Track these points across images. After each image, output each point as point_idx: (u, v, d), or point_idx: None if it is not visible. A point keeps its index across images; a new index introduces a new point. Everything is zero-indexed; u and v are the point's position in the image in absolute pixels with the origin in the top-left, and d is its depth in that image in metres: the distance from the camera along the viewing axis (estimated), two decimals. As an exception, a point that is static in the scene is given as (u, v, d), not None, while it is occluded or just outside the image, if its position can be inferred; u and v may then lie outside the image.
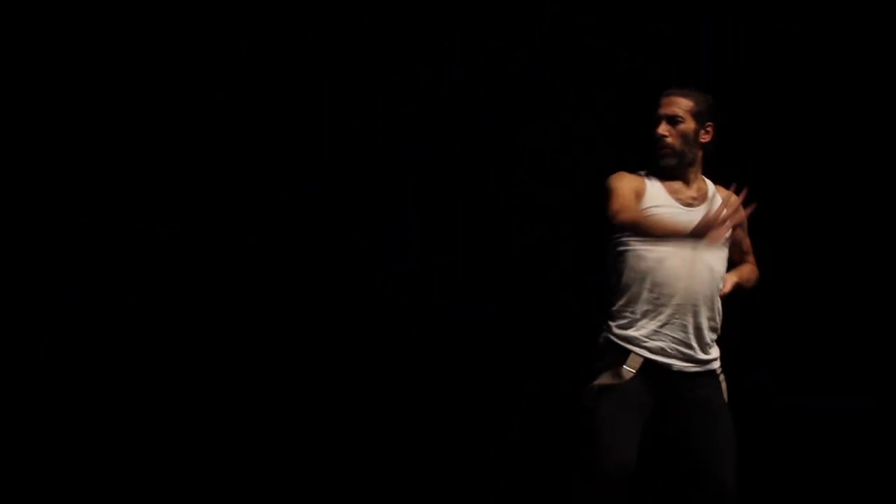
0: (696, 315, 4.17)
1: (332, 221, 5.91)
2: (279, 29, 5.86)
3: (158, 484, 5.79)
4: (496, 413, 5.86)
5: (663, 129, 4.20)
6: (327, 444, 5.88)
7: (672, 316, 4.14)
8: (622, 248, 4.20)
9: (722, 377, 4.25)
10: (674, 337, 4.15)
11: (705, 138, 4.27)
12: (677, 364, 4.14)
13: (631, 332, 4.15)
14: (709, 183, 4.34)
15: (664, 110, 4.23)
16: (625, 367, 4.11)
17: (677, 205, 4.21)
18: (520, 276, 5.86)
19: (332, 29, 5.87)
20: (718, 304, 4.24)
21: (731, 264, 4.36)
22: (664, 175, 4.25)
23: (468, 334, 5.88)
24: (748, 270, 4.38)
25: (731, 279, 4.23)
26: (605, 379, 4.11)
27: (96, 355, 5.83)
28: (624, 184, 4.20)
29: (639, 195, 4.20)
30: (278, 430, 5.88)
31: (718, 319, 4.25)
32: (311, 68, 5.84)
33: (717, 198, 4.28)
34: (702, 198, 4.26)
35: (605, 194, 4.20)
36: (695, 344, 4.17)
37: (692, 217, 4.12)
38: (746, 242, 4.42)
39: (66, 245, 5.81)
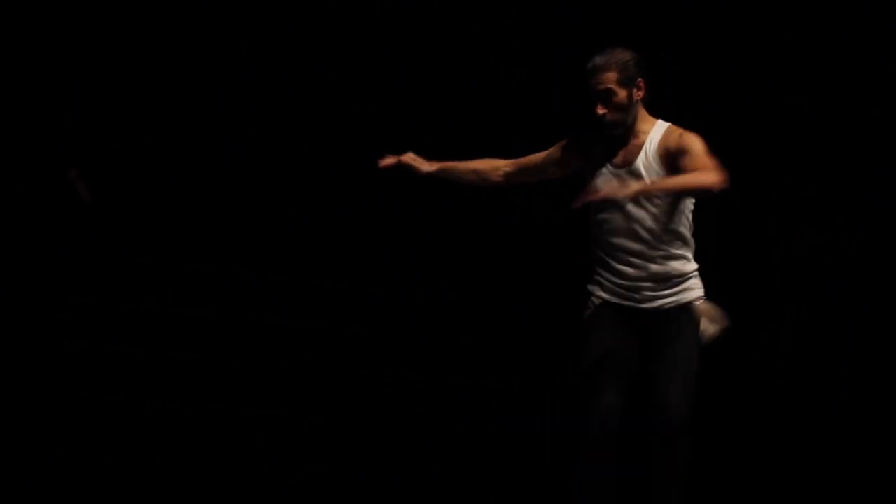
0: (642, 261, 4.36)
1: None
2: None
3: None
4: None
5: (601, 108, 4.34)
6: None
7: (620, 264, 4.37)
8: (589, 217, 4.45)
9: (690, 303, 4.39)
10: (625, 283, 4.37)
11: (639, 95, 4.40)
12: (635, 304, 4.36)
13: (600, 280, 4.42)
14: (657, 129, 4.44)
15: (594, 88, 4.36)
16: (586, 304, 4.40)
17: (609, 168, 4.37)
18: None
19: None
20: (669, 254, 4.38)
21: None
22: (613, 140, 4.42)
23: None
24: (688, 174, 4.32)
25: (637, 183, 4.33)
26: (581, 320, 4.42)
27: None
28: (552, 148, 4.46)
29: (576, 157, 4.41)
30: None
31: (676, 266, 4.39)
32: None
33: (653, 144, 4.40)
34: (634, 156, 4.37)
35: None
36: (646, 285, 4.36)
37: (621, 178, 4.31)
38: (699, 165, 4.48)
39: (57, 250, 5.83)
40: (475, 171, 4.45)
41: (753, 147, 6.03)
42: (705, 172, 4.25)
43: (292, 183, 5.97)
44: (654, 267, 4.35)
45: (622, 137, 4.38)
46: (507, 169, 4.45)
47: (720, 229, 6.11)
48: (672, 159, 4.31)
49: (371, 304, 5.96)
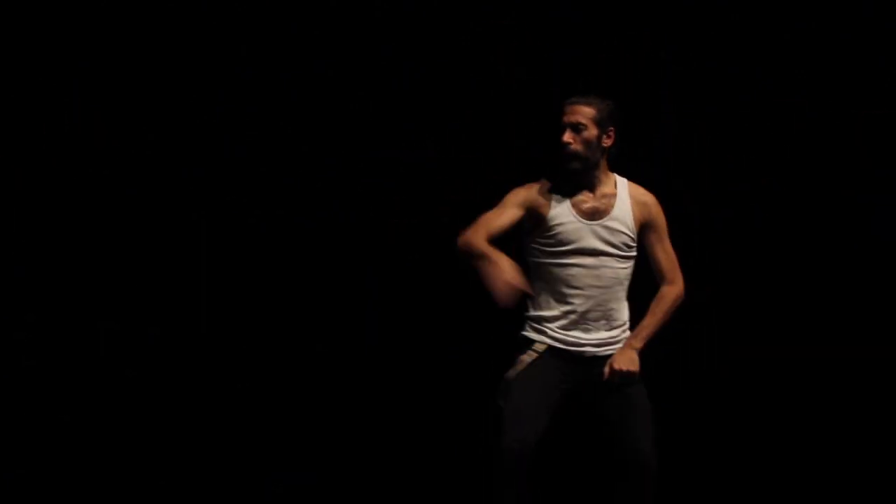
0: (599, 313, 4.44)
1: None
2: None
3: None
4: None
5: (568, 136, 4.40)
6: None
7: (576, 314, 4.42)
8: (533, 258, 4.47)
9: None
10: (577, 331, 4.44)
11: (607, 143, 4.47)
12: (586, 349, 4.44)
13: (542, 325, 4.46)
14: (620, 184, 4.48)
15: (568, 118, 4.46)
16: (529, 350, 4.44)
17: (579, 218, 4.43)
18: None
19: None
20: (621, 304, 4.49)
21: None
22: (569, 181, 4.45)
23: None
24: (650, 316, 4.52)
25: (631, 349, 4.46)
26: (517, 366, 4.45)
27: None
28: (507, 205, 4.44)
29: (536, 210, 4.43)
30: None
31: (623, 315, 4.50)
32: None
33: (623, 199, 4.41)
34: (606, 207, 4.46)
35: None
36: (598, 336, 4.45)
37: (593, 229, 4.41)
38: (664, 253, 4.53)
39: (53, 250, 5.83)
40: (476, 257, 4.29)
41: (753, 147, 6.02)
42: (676, 296, 4.54)
43: (292, 183, 5.96)
44: (608, 308, 4.43)
45: (587, 185, 4.42)
46: (482, 239, 4.34)
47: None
48: (645, 228, 4.50)
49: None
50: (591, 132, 4.41)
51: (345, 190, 5.90)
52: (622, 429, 4.40)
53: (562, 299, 4.41)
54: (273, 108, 5.93)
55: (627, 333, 4.49)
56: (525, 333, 4.47)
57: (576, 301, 4.40)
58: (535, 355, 4.41)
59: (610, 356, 4.42)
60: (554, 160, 4.44)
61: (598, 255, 4.41)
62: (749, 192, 6.01)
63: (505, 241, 4.35)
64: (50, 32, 5.81)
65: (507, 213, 4.42)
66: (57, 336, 5.85)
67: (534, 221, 4.43)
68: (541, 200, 4.44)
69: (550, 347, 4.41)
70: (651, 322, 4.50)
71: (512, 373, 4.41)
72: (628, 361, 4.39)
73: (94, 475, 5.79)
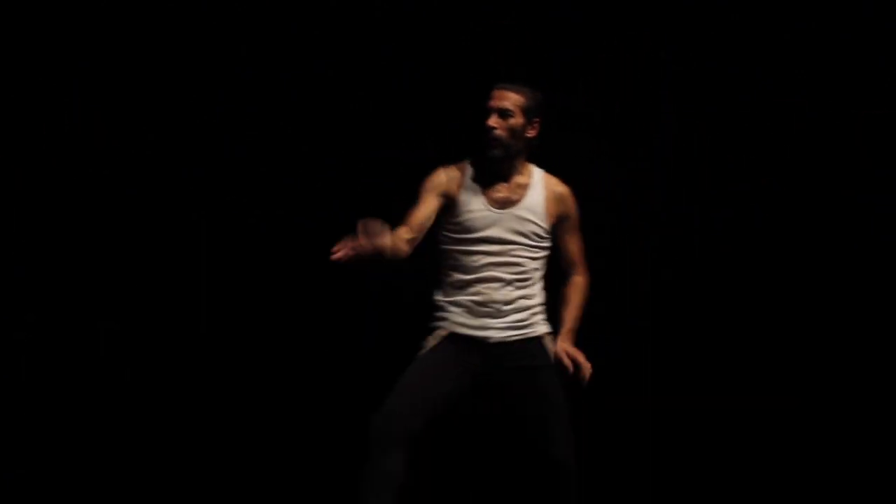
0: (505, 301, 4.41)
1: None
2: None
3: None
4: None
5: (493, 121, 4.38)
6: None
7: (480, 300, 4.40)
8: (442, 245, 4.47)
9: (547, 338, 4.50)
10: (482, 317, 4.40)
11: (531, 134, 4.45)
12: (490, 335, 4.40)
13: (448, 309, 4.45)
14: (535, 175, 4.47)
15: (496, 103, 4.41)
16: (432, 336, 4.43)
17: (489, 207, 4.39)
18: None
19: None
20: (530, 292, 4.46)
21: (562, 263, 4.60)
22: (487, 168, 4.41)
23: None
24: (575, 306, 4.55)
25: (563, 347, 4.45)
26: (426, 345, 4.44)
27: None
28: (426, 194, 4.42)
29: (450, 196, 4.40)
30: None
31: (532, 301, 4.47)
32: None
33: (538, 190, 4.40)
34: (518, 197, 4.42)
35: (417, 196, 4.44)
36: (503, 321, 4.41)
37: (502, 218, 4.37)
38: (575, 244, 4.53)
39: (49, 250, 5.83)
40: (391, 248, 4.24)
41: (753, 147, 6.02)
42: (587, 284, 4.56)
43: (292, 183, 5.96)
44: (515, 297, 4.40)
45: (504, 174, 4.40)
46: (408, 236, 4.34)
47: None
48: (560, 219, 4.49)
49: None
50: (518, 120, 4.37)
51: (345, 190, 5.89)
52: (538, 428, 4.36)
53: (466, 286, 4.37)
54: (273, 108, 5.93)
55: (538, 319, 4.45)
56: (434, 314, 4.45)
57: (480, 288, 4.36)
58: (434, 342, 4.39)
59: (517, 342, 4.38)
60: (476, 143, 4.40)
61: (504, 244, 4.36)
62: (749, 192, 6.01)
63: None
64: (50, 32, 5.80)
65: (426, 205, 4.37)
66: (57, 336, 5.84)
67: (446, 208, 4.40)
68: (454, 186, 4.41)
69: (452, 333, 4.38)
70: (576, 314, 4.50)
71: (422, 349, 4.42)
72: (580, 355, 4.35)
73: (94, 475, 5.79)
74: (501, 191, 4.42)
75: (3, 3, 5.75)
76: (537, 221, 4.42)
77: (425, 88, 5.93)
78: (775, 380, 5.96)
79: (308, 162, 5.93)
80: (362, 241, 4.07)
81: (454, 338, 4.40)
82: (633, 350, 6.01)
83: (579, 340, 4.51)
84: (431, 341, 4.42)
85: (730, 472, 5.92)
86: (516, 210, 4.41)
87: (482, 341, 4.39)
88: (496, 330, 4.38)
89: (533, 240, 4.42)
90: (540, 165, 4.59)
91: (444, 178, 4.43)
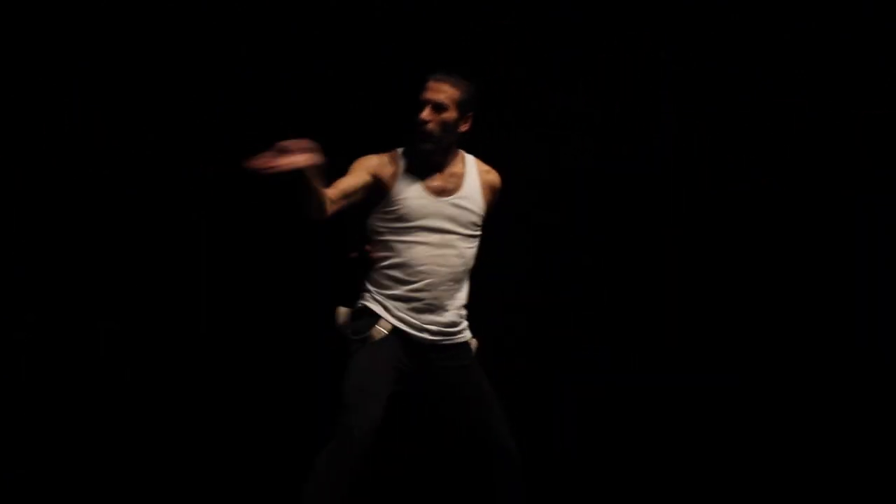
0: (443, 296, 4.32)
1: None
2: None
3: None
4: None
5: (427, 114, 4.31)
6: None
7: (420, 295, 4.30)
8: (378, 237, 4.36)
9: (472, 342, 4.46)
10: (420, 313, 4.30)
11: (464, 128, 4.38)
12: (424, 336, 4.31)
13: (385, 303, 4.32)
14: (468, 162, 4.43)
15: (431, 95, 4.33)
16: (377, 326, 4.30)
17: (426, 193, 4.31)
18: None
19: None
20: (463, 286, 4.40)
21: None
22: (419, 158, 4.34)
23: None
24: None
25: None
26: (361, 335, 4.31)
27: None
28: (356, 169, 4.33)
29: (382, 179, 4.31)
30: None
31: (464, 298, 4.41)
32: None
33: (472, 178, 4.37)
34: (454, 186, 4.37)
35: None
36: (441, 319, 4.32)
37: (440, 206, 4.29)
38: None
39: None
40: (321, 197, 4.16)
41: (753, 147, 6.02)
42: None
43: (292, 182, 5.96)
44: (449, 297, 4.32)
45: (436, 163, 4.35)
46: (332, 197, 4.23)
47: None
48: (490, 206, 4.42)
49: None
50: (451, 114, 4.30)
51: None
52: (477, 419, 4.31)
53: (406, 280, 4.27)
54: (273, 108, 5.93)
55: (465, 322, 4.39)
56: (368, 305, 4.32)
57: (420, 281, 4.27)
58: (383, 332, 4.28)
59: (448, 346, 4.32)
60: (407, 135, 4.35)
61: (443, 233, 4.28)
62: (749, 192, 6.01)
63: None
64: (50, 32, 5.81)
65: (354, 177, 4.28)
66: (57, 336, 5.85)
67: (379, 193, 4.30)
68: (388, 171, 4.33)
69: (395, 328, 4.28)
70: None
71: (355, 345, 4.28)
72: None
73: (94, 475, 5.79)
74: (437, 180, 4.34)
75: (3, 3, 5.75)
76: (474, 210, 4.35)
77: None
78: (774, 380, 5.96)
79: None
80: (280, 158, 4.00)
81: (395, 331, 4.30)
82: (632, 350, 6.02)
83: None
84: (377, 333, 4.29)
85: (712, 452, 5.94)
86: (453, 199, 4.34)
87: (418, 341, 4.31)
88: (431, 332, 4.30)
89: (469, 229, 4.34)
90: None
91: (375, 161, 4.34)
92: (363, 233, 4.36)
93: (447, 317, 4.34)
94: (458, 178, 4.37)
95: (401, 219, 4.29)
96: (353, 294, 4.39)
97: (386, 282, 4.31)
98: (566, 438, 5.98)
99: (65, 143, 5.84)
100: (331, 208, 4.23)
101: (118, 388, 5.88)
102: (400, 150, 4.40)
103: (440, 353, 4.35)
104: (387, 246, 4.31)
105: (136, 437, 5.86)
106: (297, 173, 4.06)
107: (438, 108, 4.29)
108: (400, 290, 4.29)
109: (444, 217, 4.30)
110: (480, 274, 4.49)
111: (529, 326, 6.02)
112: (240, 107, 5.91)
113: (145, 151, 5.91)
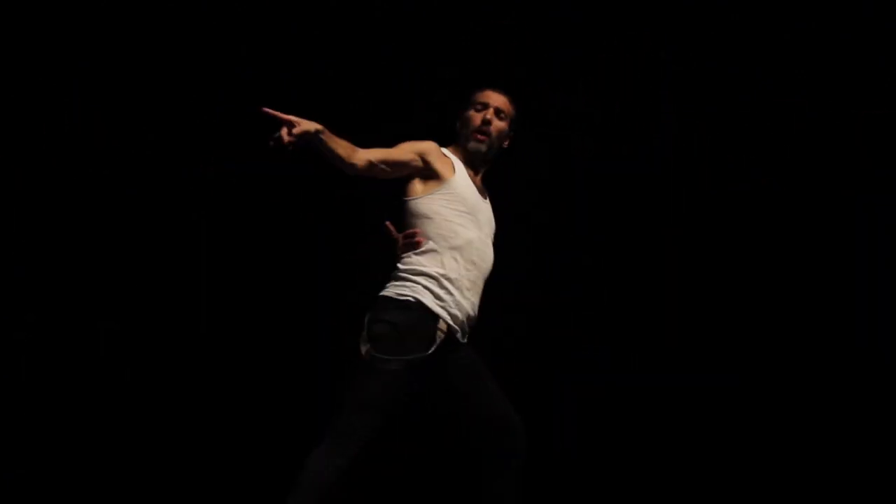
0: (478, 289, 4.29)
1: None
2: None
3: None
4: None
5: (491, 115, 4.29)
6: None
7: (468, 281, 4.24)
8: (432, 216, 4.24)
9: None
10: (467, 308, 4.25)
11: (506, 144, 4.44)
12: (458, 336, 4.25)
13: (446, 284, 4.20)
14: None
15: (496, 102, 4.37)
16: (437, 326, 4.15)
17: (476, 191, 4.32)
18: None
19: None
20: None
21: None
22: (467, 156, 4.36)
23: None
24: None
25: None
26: (413, 349, 4.12)
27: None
28: (404, 146, 4.22)
29: (429, 166, 4.23)
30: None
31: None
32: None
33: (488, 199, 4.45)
34: (483, 194, 4.40)
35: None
36: (471, 314, 4.27)
37: (484, 206, 4.32)
38: None
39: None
40: (344, 148, 4.07)
41: (753, 147, 6.02)
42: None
43: (292, 182, 5.96)
44: (478, 296, 4.28)
45: (477, 168, 4.37)
46: (370, 157, 4.12)
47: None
48: None
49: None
50: (506, 125, 4.38)
51: (345, 190, 5.90)
52: (477, 398, 4.24)
53: (462, 262, 4.19)
54: (273, 108, 5.92)
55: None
56: (422, 300, 4.15)
57: (468, 271, 4.21)
58: (441, 335, 4.16)
59: (463, 345, 4.23)
60: (458, 134, 4.35)
61: (484, 232, 4.28)
62: (749, 192, 6.01)
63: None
64: (50, 32, 5.81)
65: (401, 151, 4.18)
66: (57, 336, 5.85)
67: (429, 176, 4.23)
68: (442, 160, 4.27)
69: (449, 330, 4.15)
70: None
71: (395, 364, 4.10)
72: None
73: (94, 475, 5.79)
74: (477, 182, 4.40)
75: (3, 3, 5.75)
76: (492, 225, 4.41)
77: (425, 88, 5.94)
78: (774, 380, 5.96)
79: (308, 162, 5.93)
80: (283, 134, 3.98)
81: (447, 342, 4.17)
82: (632, 350, 6.02)
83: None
84: (435, 335, 4.12)
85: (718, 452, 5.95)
86: (488, 204, 4.40)
87: (454, 341, 4.22)
88: (465, 327, 4.24)
89: (492, 238, 4.37)
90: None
91: (425, 146, 4.24)
92: (399, 218, 4.33)
93: (473, 314, 4.28)
94: (484, 191, 4.41)
95: (463, 203, 4.25)
96: (378, 284, 4.29)
97: (447, 261, 4.16)
98: (566, 438, 5.98)
99: (65, 143, 5.85)
100: (364, 166, 4.11)
101: (118, 388, 5.88)
102: (451, 147, 4.39)
103: (457, 352, 4.30)
104: (450, 228, 4.21)
105: (136, 436, 5.86)
106: (311, 137, 4.01)
107: (500, 114, 4.35)
108: (455, 273, 4.16)
109: (486, 218, 4.35)
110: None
111: (529, 326, 6.02)
112: (240, 107, 5.91)
113: (145, 151, 5.92)
